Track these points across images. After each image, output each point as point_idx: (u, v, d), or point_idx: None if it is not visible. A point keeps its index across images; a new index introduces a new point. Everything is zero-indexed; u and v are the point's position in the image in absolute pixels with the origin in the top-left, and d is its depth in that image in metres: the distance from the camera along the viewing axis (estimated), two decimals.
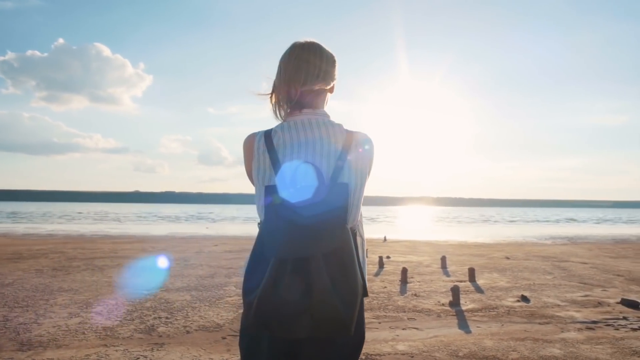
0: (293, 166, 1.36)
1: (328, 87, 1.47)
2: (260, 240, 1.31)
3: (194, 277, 7.03)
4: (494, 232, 22.67)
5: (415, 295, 5.98)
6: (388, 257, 10.01)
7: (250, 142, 1.44)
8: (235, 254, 10.42)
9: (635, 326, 4.56)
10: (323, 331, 1.22)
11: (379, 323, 4.58)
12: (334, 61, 1.47)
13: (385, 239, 16.41)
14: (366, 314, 4.85)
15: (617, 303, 5.54)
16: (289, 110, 1.45)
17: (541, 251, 12.14)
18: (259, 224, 1.45)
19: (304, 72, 1.40)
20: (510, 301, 5.61)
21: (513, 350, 3.73)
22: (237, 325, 4.33)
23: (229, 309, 5.00)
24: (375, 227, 29.71)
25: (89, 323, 4.33)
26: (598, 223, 35.87)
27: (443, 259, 8.89)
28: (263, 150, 1.40)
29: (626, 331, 4.38)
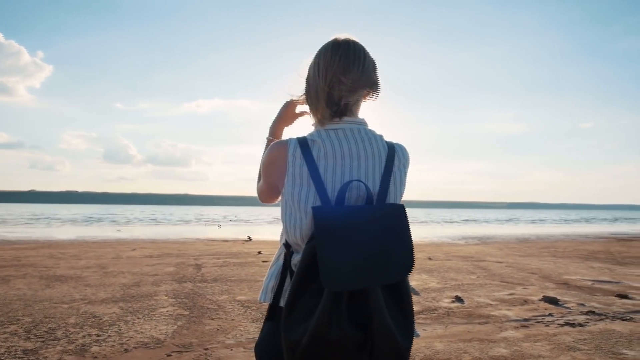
0: (340, 183, 1.20)
1: (375, 93, 1.31)
2: (305, 267, 1.12)
3: (118, 286, 6.48)
4: None
5: None
6: None
7: (281, 151, 1.24)
8: (158, 259, 9.82)
9: (561, 322, 4.90)
10: None
11: None
12: (375, 65, 1.31)
13: None
14: None
15: (540, 300, 5.93)
16: (327, 117, 1.26)
17: (458, 251, 12.81)
18: (286, 244, 1.27)
19: (351, 74, 1.24)
20: (446, 302, 5.79)
21: (464, 352, 3.83)
22: (180, 340, 4.02)
23: (166, 321, 4.63)
24: None
25: (4, 347, 3.78)
26: (501, 224, 38.81)
27: None
28: (300, 163, 1.21)
29: (555, 327, 4.68)
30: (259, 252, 11.44)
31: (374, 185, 1.22)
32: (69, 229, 23.94)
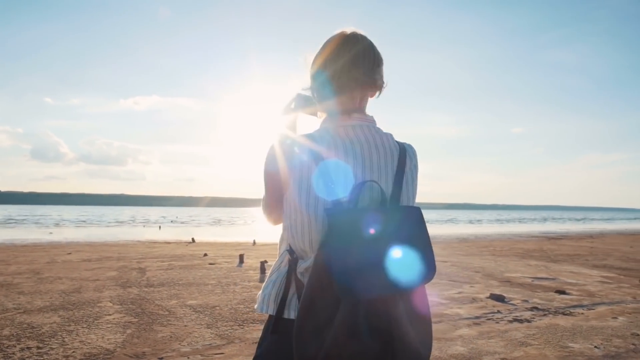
0: (352, 184, 1.12)
1: (382, 89, 1.24)
2: (318, 276, 1.03)
3: (56, 293, 6.04)
4: None
5: None
6: (266, 262, 9.85)
7: (286, 150, 1.15)
8: (97, 262, 9.29)
9: (509, 318, 5.09)
10: None
11: None
12: (382, 60, 1.24)
13: (254, 243, 16.22)
14: None
15: (487, 298, 6.15)
16: (336, 114, 1.19)
17: None
18: (289, 250, 1.18)
19: (361, 69, 1.17)
20: None
21: None
22: (132, 349, 3.78)
23: (114, 329, 4.35)
24: (238, 230, 29.30)
25: None
26: (442, 224, 40.23)
27: None
28: (308, 162, 1.12)
29: (505, 324, 4.85)
30: (205, 254, 11.12)
31: (387, 187, 1.16)
32: None
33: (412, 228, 1.09)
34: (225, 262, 9.84)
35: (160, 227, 31.35)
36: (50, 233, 21.60)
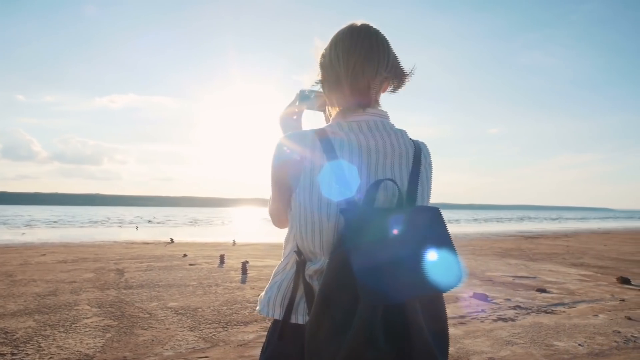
0: (366, 182, 1.06)
1: (402, 81, 1.18)
2: (333, 279, 0.96)
3: (30, 296, 5.83)
4: None
5: None
6: (247, 262, 9.75)
7: (297, 144, 1.08)
8: (73, 264, 9.03)
9: (494, 317, 5.11)
10: None
11: None
12: (396, 55, 1.18)
13: (234, 243, 16.05)
14: (254, 327, 4.55)
15: (471, 297, 6.17)
16: (350, 108, 1.12)
17: None
18: (297, 252, 1.11)
19: (376, 61, 1.11)
20: None
21: None
22: (112, 354, 3.65)
23: (92, 333, 4.20)
24: (217, 230, 28.99)
25: None
26: None
27: None
28: (321, 158, 1.06)
29: (490, 322, 4.87)
30: (185, 255, 10.94)
31: (402, 185, 1.11)
32: None
33: (434, 229, 1.03)
34: (206, 262, 9.69)
35: (137, 227, 30.81)
36: (23, 234, 20.99)
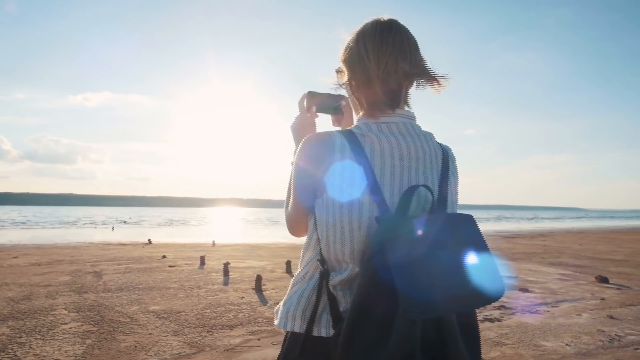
0: (399, 188, 0.99)
1: (436, 80, 1.11)
2: (368, 290, 0.88)
3: (3, 300, 5.59)
4: None
5: (277, 304, 5.76)
6: (229, 264, 9.61)
7: (323, 146, 1.00)
8: (48, 266, 8.74)
9: (480, 317, 5.11)
10: None
11: (259, 340, 4.22)
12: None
13: (214, 243, 15.85)
14: (240, 330, 4.45)
15: None
16: (380, 108, 1.06)
17: None
18: (320, 260, 1.03)
19: (407, 59, 1.04)
20: None
21: None
22: None
23: (71, 340, 4.03)
24: (195, 230, 28.62)
25: None
26: None
27: (288, 264, 8.85)
28: (350, 162, 0.98)
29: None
30: (164, 257, 10.72)
31: (433, 191, 1.04)
32: None
33: (472, 237, 0.97)
34: (186, 264, 9.50)
35: (113, 227, 30.19)
36: None
